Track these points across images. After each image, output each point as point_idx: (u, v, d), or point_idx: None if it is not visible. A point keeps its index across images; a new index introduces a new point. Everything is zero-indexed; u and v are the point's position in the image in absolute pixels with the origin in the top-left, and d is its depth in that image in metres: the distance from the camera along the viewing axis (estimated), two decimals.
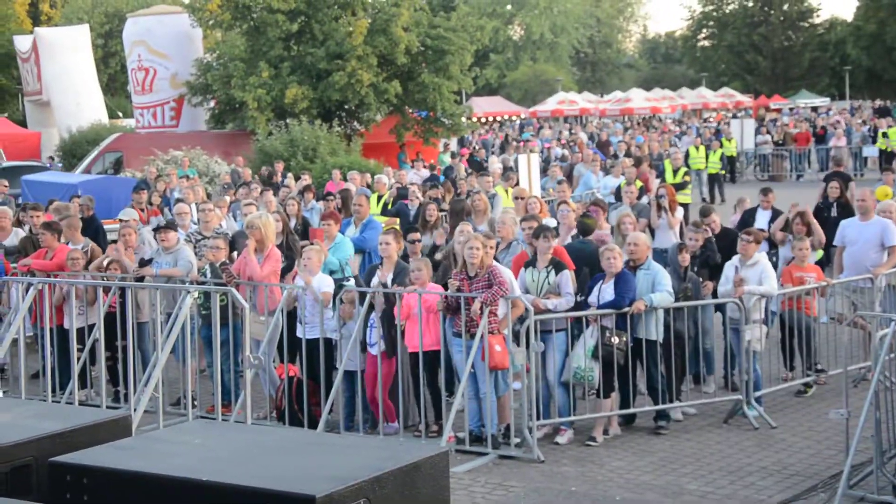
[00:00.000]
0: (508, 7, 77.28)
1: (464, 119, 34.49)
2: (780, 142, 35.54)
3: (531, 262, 9.70)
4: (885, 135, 30.92)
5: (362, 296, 9.70)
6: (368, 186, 19.16)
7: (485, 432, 9.09)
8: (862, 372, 10.37)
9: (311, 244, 10.81)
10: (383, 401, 9.53)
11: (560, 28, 75.55)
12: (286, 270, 11.02)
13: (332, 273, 10.48)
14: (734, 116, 49.34)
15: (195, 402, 9.90)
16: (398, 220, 14.91)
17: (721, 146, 30.70)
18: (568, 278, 9.48)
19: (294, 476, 3.85)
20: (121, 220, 13.58)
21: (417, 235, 11.21)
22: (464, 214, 12.97)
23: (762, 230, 11.92)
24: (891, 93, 71.58)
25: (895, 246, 11.21)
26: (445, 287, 9.39)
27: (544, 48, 75.03)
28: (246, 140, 29.51)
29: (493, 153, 37.45)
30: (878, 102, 57.07)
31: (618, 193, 16.34)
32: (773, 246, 12.32)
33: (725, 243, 11.21)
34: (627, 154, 27.27)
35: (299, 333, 9.99)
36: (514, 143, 39.25)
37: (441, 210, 14.39)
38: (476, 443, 9.15)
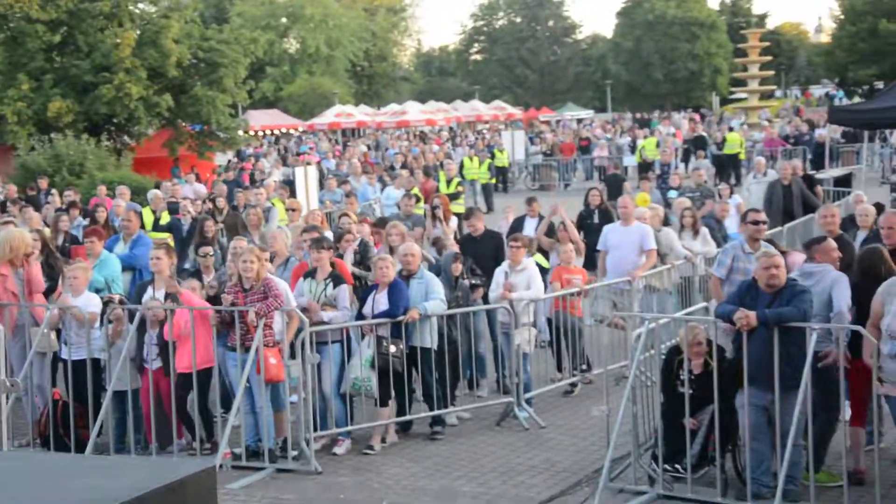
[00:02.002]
0: (283, 20, 76.67)
1: (240, 132, 34.02)
2: (549, 152, 37.10)
3: (311, 273, 9.69)
4: (642, 147, 32.75)
5: (132, 314, 9.40)
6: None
7: (262, 447, 9.00)
8: (623, 370, 10.92)
9: (75, 262, 10.38)
10: (164, 417, 9.22)
11: (335, 41, 75.59)
12: (50, 290, 10.55)
13: (98, 291, 10.11)
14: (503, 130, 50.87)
15: None
16: (170, 235, 14.54)
17: (492, 157, 31.64)
18: (345, 292, 9.56)
19: (44, 502, 3.69)
20: None
21: (209, 249, 10.90)
22: (238, 228, 12.81)
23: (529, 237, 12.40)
24: (648, 106, 75.95)
25: (652, 249, 11.92)
26: (219, 301, 9.24)
27: (321, 61, 74.85)
28: (6, 155, 28.02)
29: (272, 167, 37.04)
30: (628, 115, 60.20)
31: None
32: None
33: (489, 246, 11.83)
34: (403, 166, 27.69)
35: (64, 355, 9.57)
36: (292, 156, 39.01)
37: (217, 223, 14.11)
38: (253, 458, 9.04)
